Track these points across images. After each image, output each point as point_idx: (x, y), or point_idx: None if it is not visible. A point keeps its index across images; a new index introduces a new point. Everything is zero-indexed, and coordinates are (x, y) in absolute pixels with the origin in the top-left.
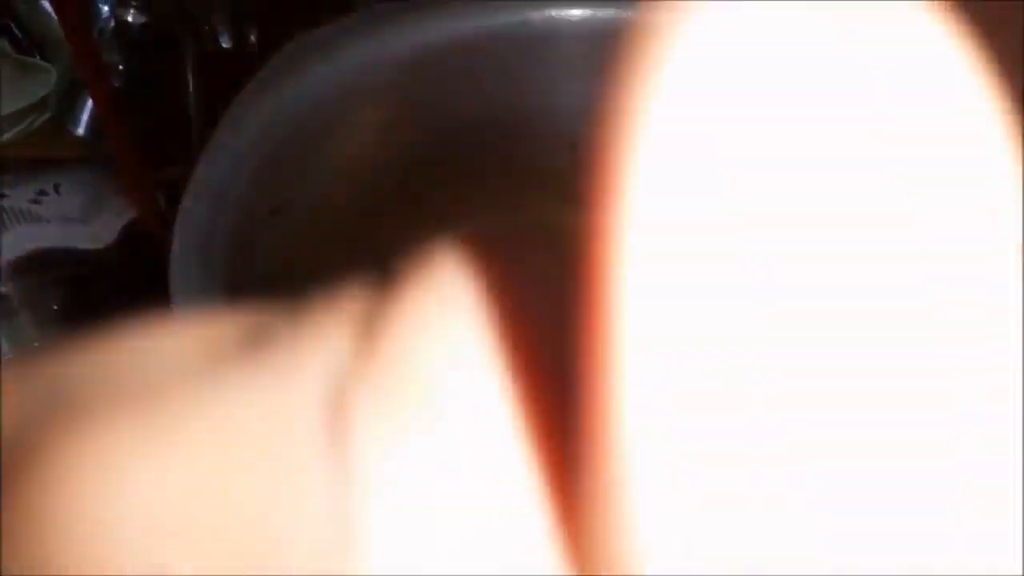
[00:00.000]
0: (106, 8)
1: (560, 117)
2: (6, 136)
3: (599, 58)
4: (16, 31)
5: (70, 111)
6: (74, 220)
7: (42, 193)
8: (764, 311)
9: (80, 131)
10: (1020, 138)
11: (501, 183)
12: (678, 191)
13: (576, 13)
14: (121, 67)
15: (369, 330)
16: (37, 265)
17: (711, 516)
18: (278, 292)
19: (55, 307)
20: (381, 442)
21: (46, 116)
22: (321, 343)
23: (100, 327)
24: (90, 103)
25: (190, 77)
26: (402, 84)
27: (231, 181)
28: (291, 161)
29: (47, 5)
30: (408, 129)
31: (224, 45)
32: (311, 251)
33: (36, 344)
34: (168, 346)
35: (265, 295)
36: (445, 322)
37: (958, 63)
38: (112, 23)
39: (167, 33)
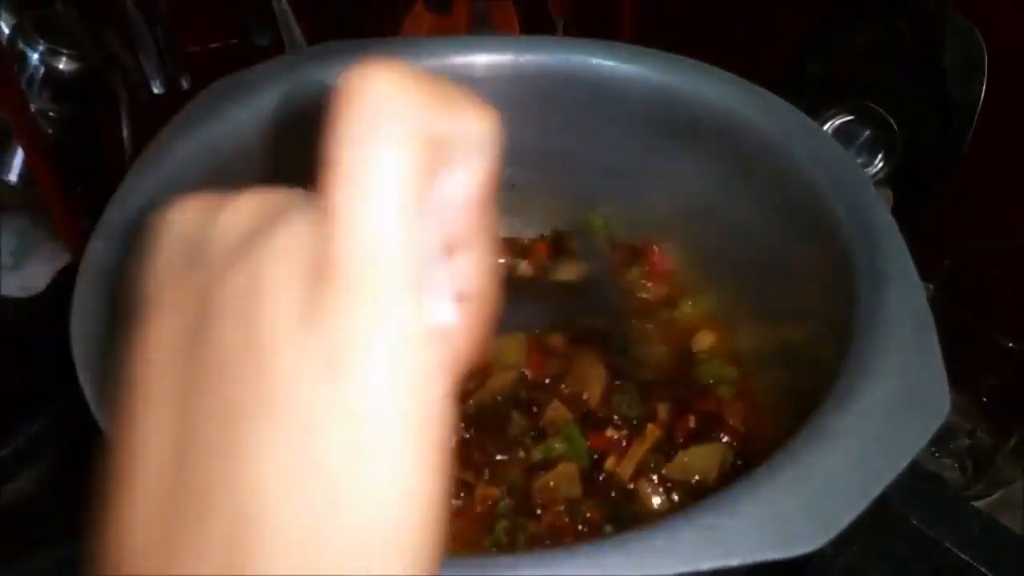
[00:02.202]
0: (35, 56)
1: None
2: None
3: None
4: None
5: (1, 158)
6: (5, 268)
7: None
8: None
9: (11, 178)
10: None
11: None
12: None
13: (487, 59)
14: (52, 114)
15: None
16: None
17: None
18: None
19: None
20: None
21: None
22: None
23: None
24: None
25: (124, 124)
26: (321, 126)
27: (141, 223)
28: None
29: None
30: None
31: (156, 91)
32: None
33: None
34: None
35: None
36: None
37: None
38: (42, 70)
39: (100, 80)
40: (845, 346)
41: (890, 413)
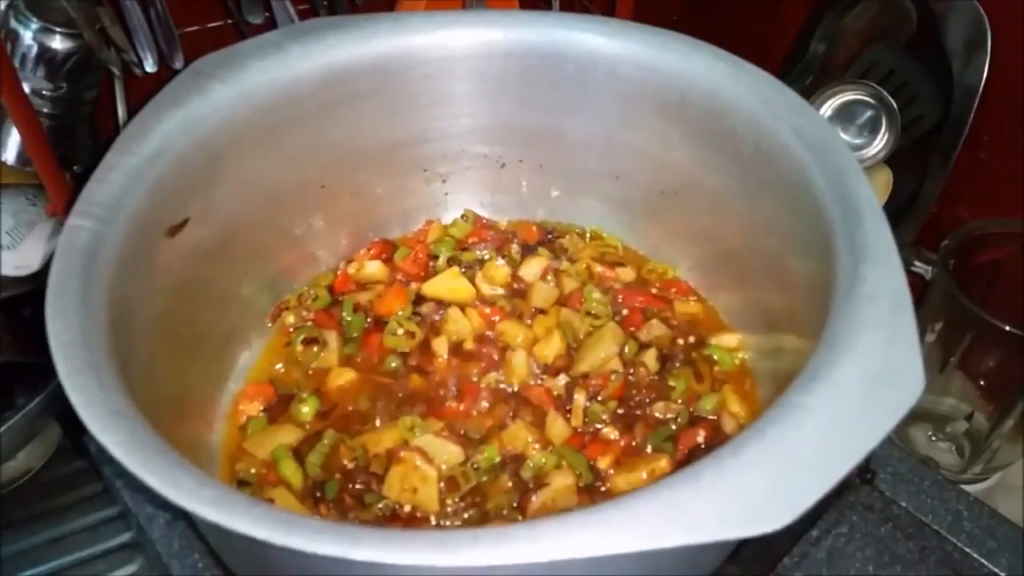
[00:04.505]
0: (28, 34)
1: (465, 136)
2: None
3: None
4: None
5: None
6: (1, 246)
7: None
8: None
9: (7, 157)
10: None
11: (404, 203)
12: None
13: (475, 35)
14: (46, 93)
15: None
16: None
17: None
18: (180, 308)
19: None
20: None
21: None
22: None
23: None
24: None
25: (119, 101)
26: (309, 102)
27: (122, 200)
28: (194, 179)
29: None
30: (316, 146)
31: (149, 69)
32: (215, 268)
33: None
34: None
35: (163, 312)
36: None
37: None
38: (35, 49)
39: (94, 58)
40: (823, 321)
41: (861, 392)
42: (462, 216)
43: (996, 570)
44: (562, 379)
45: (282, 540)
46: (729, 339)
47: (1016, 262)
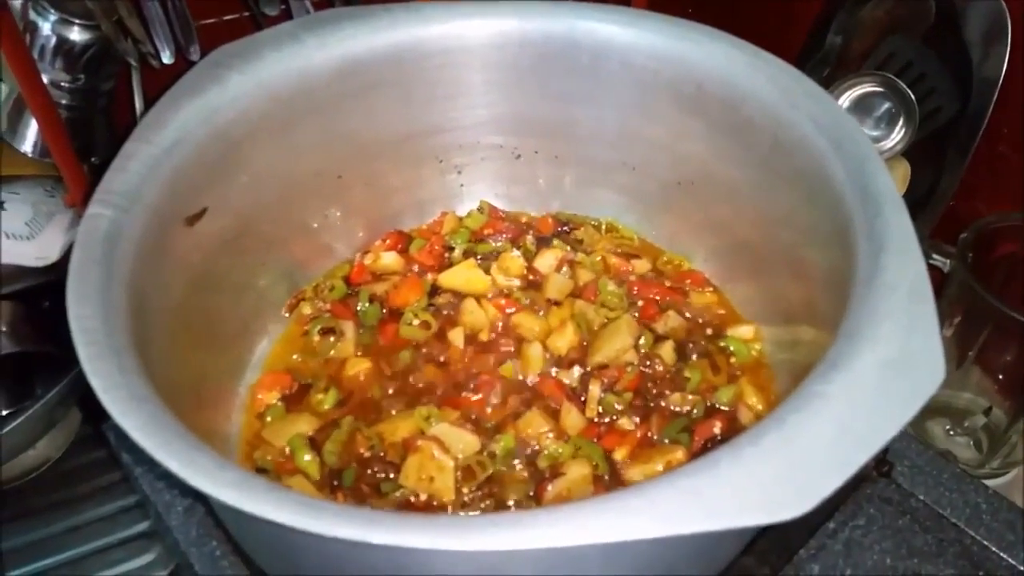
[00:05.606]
0: (47, 26)
1: (480, 127)
2: None
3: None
4: None
5: (16, 128)
6: (20, 237)
7: None
8: None
9: (26, 148)
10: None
11: (420, 194)
12: None
13: (491, 24)
14: (64, 84)
15: None
16: None
17: None
18: (197, 297)
19: (1, 328)
20: None
21: None
22: None
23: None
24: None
25: (136, 93)
26: (325, 92)
27: (140, 189)
28: (211, 169)
29: None
30: (332, 137)
31: (166, 61)
32: (232, 258)
33: None
34: None
35: (181, 301)
36: None
37: None
38: (53, 40)
39: (112, 50)
40: (841, 311)
41: (880, 380)
42: (477, 207)
43: (1015, 563)
44: (576, 370)
45: (302, 524)
46: (745, 330)
47: None
